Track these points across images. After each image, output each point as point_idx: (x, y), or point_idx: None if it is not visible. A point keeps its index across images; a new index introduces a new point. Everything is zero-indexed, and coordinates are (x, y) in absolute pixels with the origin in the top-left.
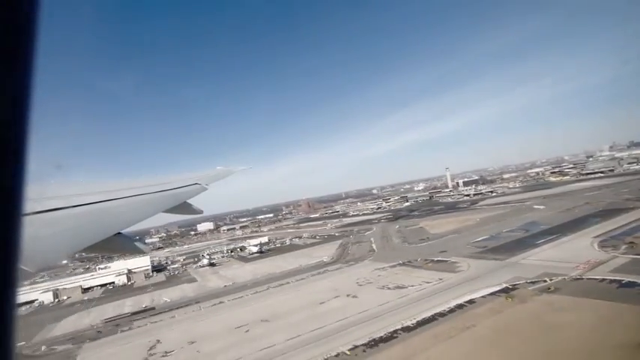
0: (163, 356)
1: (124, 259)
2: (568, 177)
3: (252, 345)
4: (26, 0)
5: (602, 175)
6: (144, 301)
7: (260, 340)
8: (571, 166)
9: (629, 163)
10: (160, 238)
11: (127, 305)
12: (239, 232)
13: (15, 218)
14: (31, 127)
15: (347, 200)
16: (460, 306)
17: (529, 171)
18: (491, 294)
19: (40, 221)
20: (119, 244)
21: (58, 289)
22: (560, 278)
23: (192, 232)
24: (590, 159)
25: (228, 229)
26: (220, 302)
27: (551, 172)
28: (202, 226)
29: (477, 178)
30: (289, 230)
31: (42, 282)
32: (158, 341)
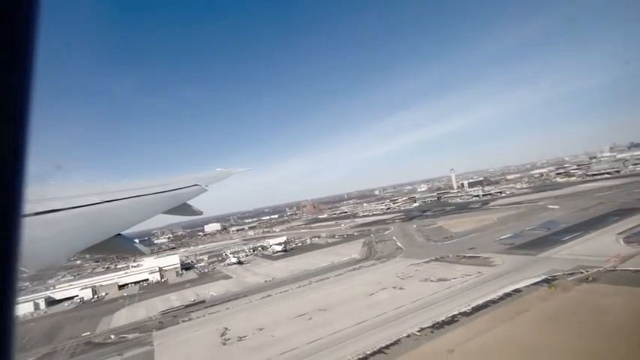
0: (239, 340)
1: (155, 257)
2: (574, 178)
3: (323, 330)
4: (26, 0)
5: (608, 176)
6: (188, 295)
7: (327, 325)
8: (575, 167)
9: (633, 164)
10: (168, 238)
11: (174, 300)
12: (251, 233)
13: (15, 219)
14: (31, 127)
15: (350, 201)
16: (508, 294)
17: (532, 172)
18: (534, 284)
19: (40, 222)
20: (119, 246)
21: (95, 286)
22: (595, 270)
23: (201, 233)
24: (594, 160)
25: (237, 230)
26: (268, 295)
27: (557, 173)
28: (209, 227)
29: (481, 179)
30: (303, 230)
31: (66, 280)
32: (226, 329)
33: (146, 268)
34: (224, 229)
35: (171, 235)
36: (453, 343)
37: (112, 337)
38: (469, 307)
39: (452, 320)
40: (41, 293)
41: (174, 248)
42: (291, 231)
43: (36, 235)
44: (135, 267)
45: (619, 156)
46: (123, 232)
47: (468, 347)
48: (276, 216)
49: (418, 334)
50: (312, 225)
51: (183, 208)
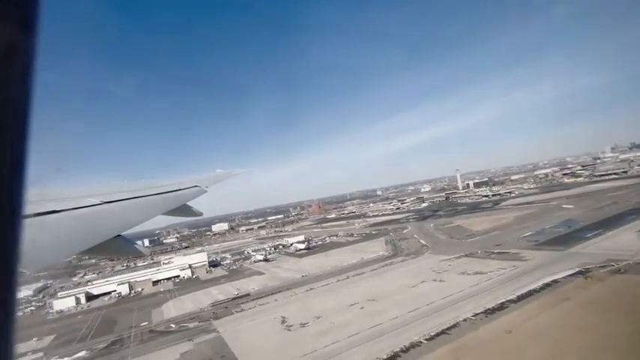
0: (302, 327)
1: (183, 254)
2: (582, 178)
3: (379, 317)
4: (26, 0)
5: (615, 176)
6: (230, 289)
7: (381, 313)
8: (580, 167)
9: (639, 165)
10: (176, 238)
11: (216, 293)
12: (262, 232)
13: (15, 220)
14: (32, 129)
15: (354, 201)
16: (547, 285)
17: (536, 172)
18: (569, 275)
19: (40, 223)
20: (119, 247)
21: (130, 282)
22: (624, 263)
23: (209, 233)
24: (598, 161)
25: (247, 230)
26: (311, 289)
27: (564, 174)
28: (217, 227)
29: (485, 179)
30: (315, 230)
31: (92, 279)
32: (284, 317)
33: (177, 265)
34: (231, 228)
35: (178, 235)
36: (509, 326)
37: (173, 326)
38: (514, 296)
39: (501, 307)
40: (80, 289)
41: (187, 247)
42: (303, 230)
43: (36, 236)
44: (166, 264)
45: (622, 156)
46: (123, 233)
47: (524, 328)
48: (282, 216)
49: (473, 318)
50: (323, 224)
51: (184, 209)
